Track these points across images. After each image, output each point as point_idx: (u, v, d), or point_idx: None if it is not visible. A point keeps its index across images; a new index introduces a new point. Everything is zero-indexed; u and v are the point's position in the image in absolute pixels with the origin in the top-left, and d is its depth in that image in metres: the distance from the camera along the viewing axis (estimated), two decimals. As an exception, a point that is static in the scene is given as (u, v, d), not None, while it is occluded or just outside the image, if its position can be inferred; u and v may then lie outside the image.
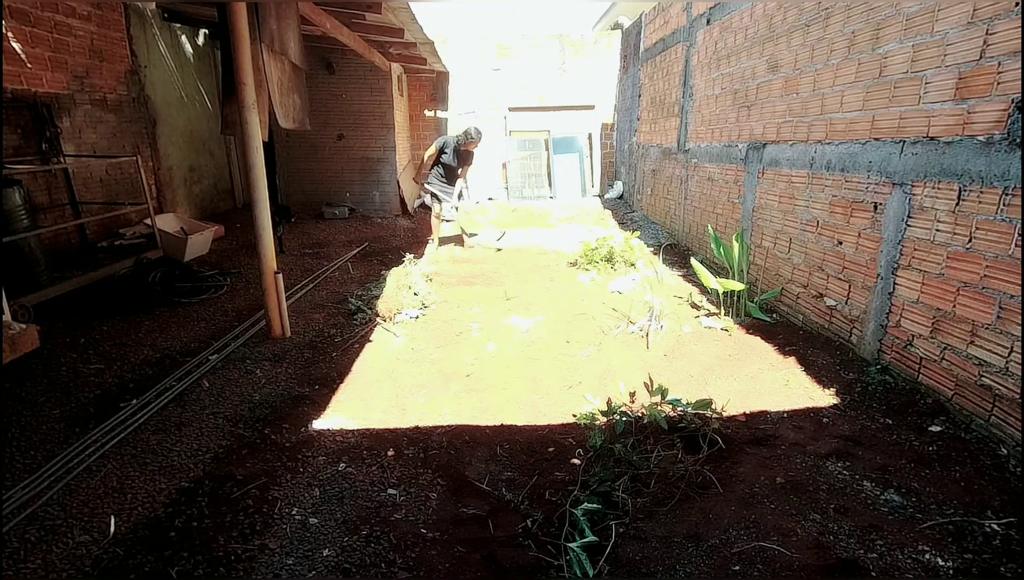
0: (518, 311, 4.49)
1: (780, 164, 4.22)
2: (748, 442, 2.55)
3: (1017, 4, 2.28)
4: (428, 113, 10.90)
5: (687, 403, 2.69)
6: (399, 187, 9.76)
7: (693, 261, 4.41)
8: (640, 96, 8.81)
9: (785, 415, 2.78)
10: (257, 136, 3.65)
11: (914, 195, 2.86)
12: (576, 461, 2.46)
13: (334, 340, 3.92)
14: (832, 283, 3.59)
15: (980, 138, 2.45)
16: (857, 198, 3.31)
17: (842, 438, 2.51)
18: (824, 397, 2.92)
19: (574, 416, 2.83)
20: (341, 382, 3.29)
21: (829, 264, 3.62)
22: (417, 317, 4.36)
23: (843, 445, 2.45)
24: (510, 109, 10.92)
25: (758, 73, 4.57)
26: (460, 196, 6.88)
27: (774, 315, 4.19)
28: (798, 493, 2.15)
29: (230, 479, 2.34)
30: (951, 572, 1.75)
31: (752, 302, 4.21)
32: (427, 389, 3.22)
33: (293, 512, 2.17)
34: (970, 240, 2.52)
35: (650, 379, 2.81)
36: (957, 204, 2.59)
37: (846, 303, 3.45)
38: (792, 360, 3.35)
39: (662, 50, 7.51)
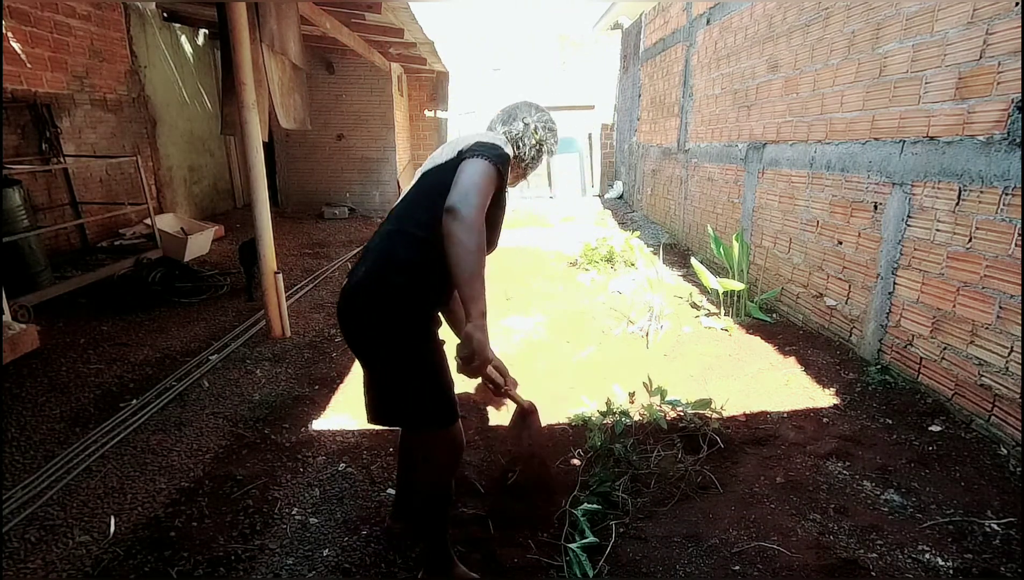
0: (518, 311, 4.48)
1: (780, 164, 4.22)
2: (748, 442, 2.55)
3: (1017, 4, 2.28)
4: (428, 113, 10.91)
5: (687, 403, 2.69)
6: (399, 187, 9.77)
7: (693, 261, 4.41)
8: (640, 96, 8.81)
9: (785, 415, 2.78)
10: (257, 136, 3.65)
11: (914, 195, 2.86)
12: (576, 461, 2.46)
13: (334, 340, 3.92)
14: (832, 283, 3.59)
15: (980, 138, 2.45)
16: (857, 198, 3.31)
17: (842, 438, 2.51)
18: (824, 397, 2.92)
19: (573, 416, 2.83)
20: (341, 382, 3.29)
21: (829, 264, 3.62)
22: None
23: (843, 445, 2.45)
24: (510, 109, 10.91)
25: (758, 73, 4.56)
26: None
27: (774, 315, 4.19)
28: (798, 493, 2.15)
29: (230, 479, 2.34)
30: (951, 572, 1.75)
31: (752, 302, 4.21)
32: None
33: (293, 512, 2.17)
34: (970, 240, 2.52)
35: (649, 379, 2.81)
36: (957, 204, 2.58)
37: (846, 303, 3.45)
38: (792, 360, 3.35)
39: (662, 50, 7.51)
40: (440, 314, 1.74)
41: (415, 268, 1.55)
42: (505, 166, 1.56)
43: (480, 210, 1.43)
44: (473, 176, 1.47)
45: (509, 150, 1.67)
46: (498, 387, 1.75)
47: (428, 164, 1.69)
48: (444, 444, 1.64)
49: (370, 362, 1.64)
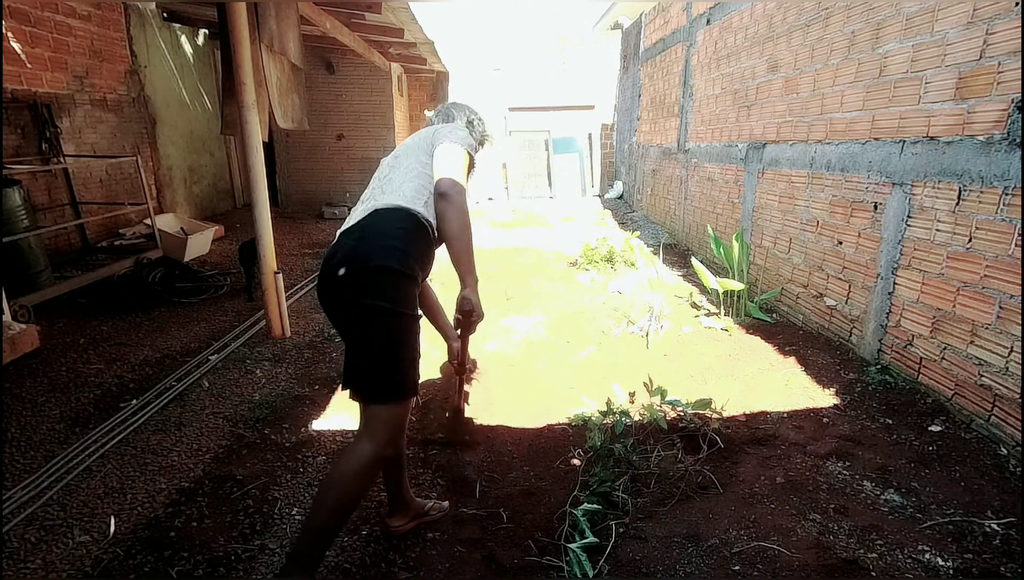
0: (518, 311, 4.49)
1: (780, 164, 4.22)
2: (748, 442, 2.55)
3: (1017, 4, 2.28)
4: (428, 113, 10.90)
5: (687, 403, 2.69)
6: (399, 187, 9.75)
7: (693, 261, 4.41)
8: (640, 96, 8.81)
9: (785, 415, 2.78)
10: (257, 136, 3.65)
11: (914, 195, 2.86)
12: (576, 461, 2.46)
13: (334, 340, 3.92)
14: (832, 283, 3.59)
15: (980, 138, 2.45)
16: (857, 198, 3.31)
17: (842, 438, 2.51)
18: (824, 397, 2.92)
19: (573, 417, 2.83)
20: (341, 382, 3.29)
21: (829, 264, 3.62)
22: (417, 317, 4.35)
23: (843, 445, 2.45)
24: (510, 109, 10.93)
25: (758, 73, 4.57)
26: None
27: (774, 315, 4.19)
28: (798, 493, 2.15)
29: (230, 479, 2.34)
30: (951, 572, 1.75)
31: (752, 302, 4.21)
32: (425, 389, 3.22)
33: (293, 512, 2.17)
34: (970, 240, 2.52)
35: (650, 379, 2.81)
36: (957, 204, 2.59)
37: (846, 303, 3.45)
38: (792, 360, 3.35)
39: (662, 50, 7.51)
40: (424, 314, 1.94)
41: (408, 237, 1.69)
42: (474, 151, 1.87)
43: (464, 191, 1.71)
44: (454, 163, 1.74)
45: (471, 139, 1.92)
46: (463, 368, 2.00)
47: (402, 150, 1.90)
48: (394, 419, 1.64)
49: (356, 328, 1.64)
